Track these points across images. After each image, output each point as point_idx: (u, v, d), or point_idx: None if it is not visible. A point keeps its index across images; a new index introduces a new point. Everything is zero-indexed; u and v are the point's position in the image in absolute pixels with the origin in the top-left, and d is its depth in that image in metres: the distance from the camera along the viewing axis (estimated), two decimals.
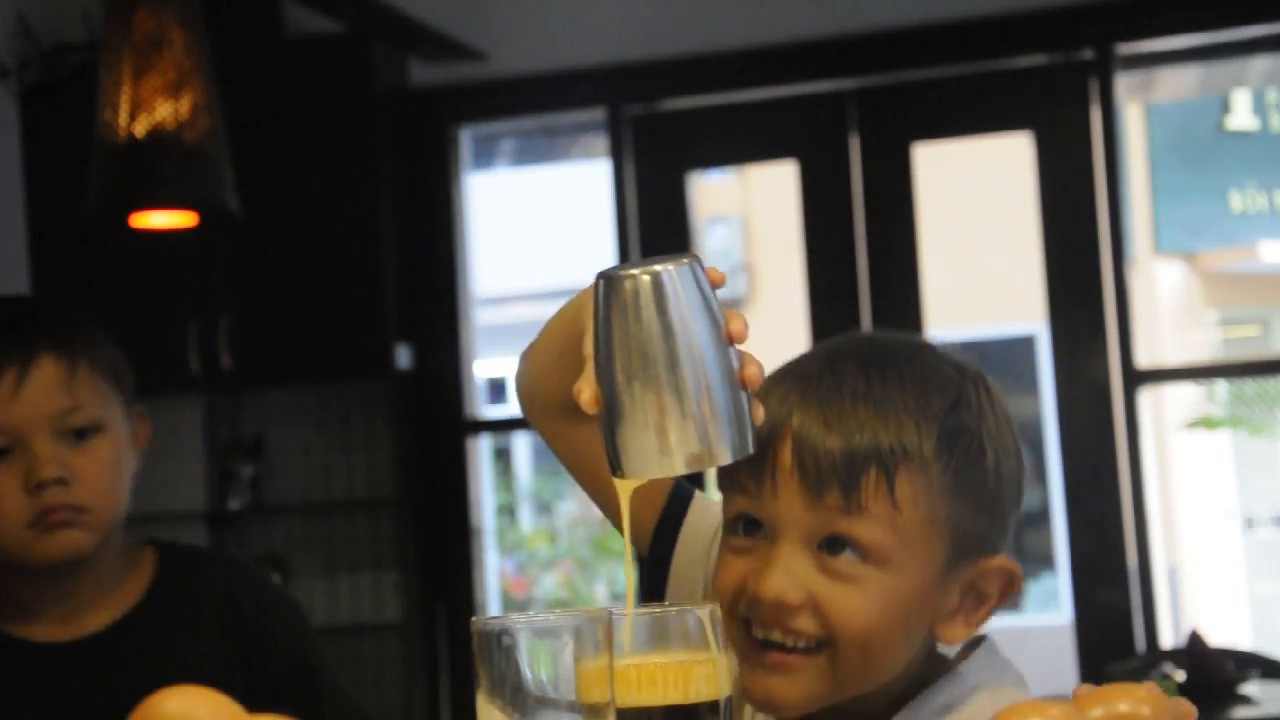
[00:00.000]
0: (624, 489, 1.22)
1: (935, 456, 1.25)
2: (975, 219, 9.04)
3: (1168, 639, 4.68)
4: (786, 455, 1.26)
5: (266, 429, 5.05)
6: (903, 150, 4.80)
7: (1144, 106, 9.00)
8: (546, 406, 1.44)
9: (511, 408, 10.84)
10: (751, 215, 10.14)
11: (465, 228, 5.10)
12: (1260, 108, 9.76)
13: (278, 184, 4.72)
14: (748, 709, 1.31)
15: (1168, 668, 4.06)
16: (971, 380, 1.32)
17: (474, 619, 1.12)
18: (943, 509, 1.26)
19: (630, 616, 1.16)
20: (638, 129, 4.97)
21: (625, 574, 1.30)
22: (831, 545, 1.25)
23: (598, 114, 5.01)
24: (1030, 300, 5.11)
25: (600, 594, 9.71)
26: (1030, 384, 9.45)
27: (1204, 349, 9.95)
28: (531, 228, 10.16)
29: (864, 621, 1.24)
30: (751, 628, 1.26)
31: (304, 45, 4.89)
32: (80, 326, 1.84)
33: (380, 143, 4.85)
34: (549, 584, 10.16)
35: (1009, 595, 1.29)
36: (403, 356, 4.88)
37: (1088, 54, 4.65)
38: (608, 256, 5.02)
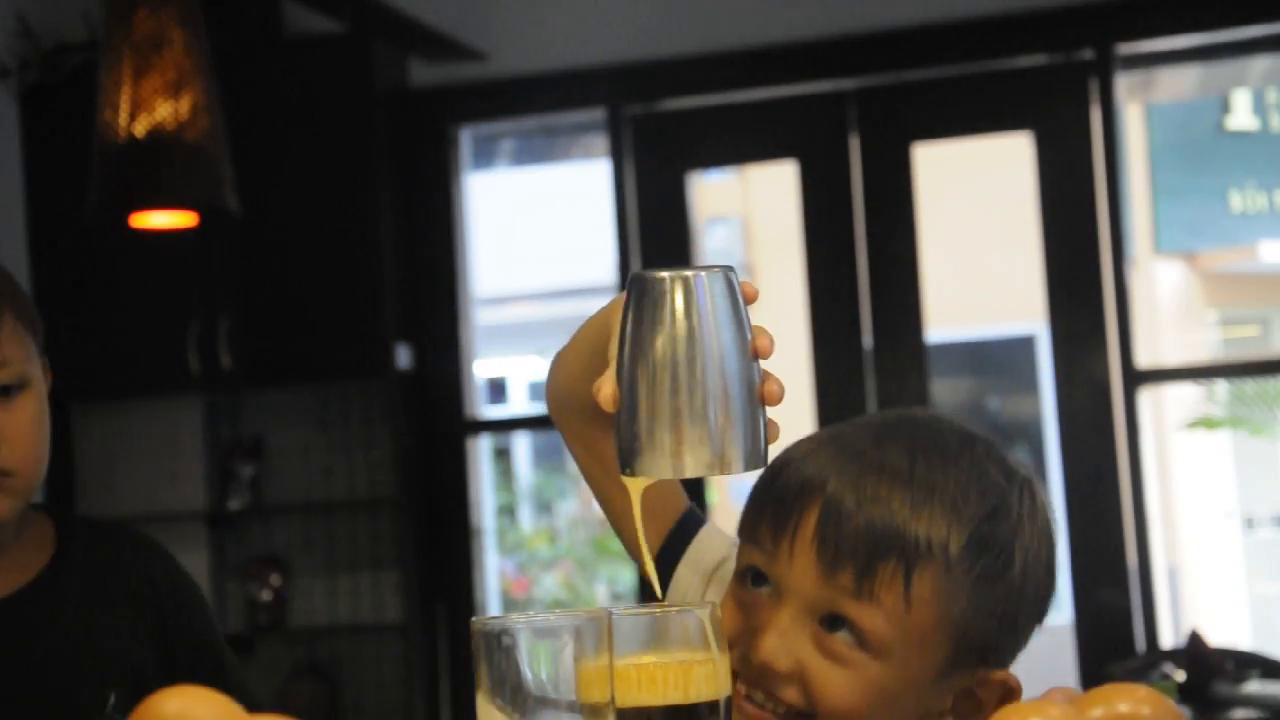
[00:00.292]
0: (634, 487, 1.22)
1: (959, 561, 1.23)
2: (975, 219, 9.03)
3: (1168, 639, 4.68)
4: (811, 521, 1.24)
5: (266, 429, 5.05)
6: (903, 150, 4.80)
7: (1144, 106, 8.99)
8: (574, 411, 1.44)
9: (511, 408, 10.84)
10: (751, 215, 10.14)
11: (465, 228, 5.10)
12: (1260, 108, 9.75)
13: (278, 184, 4.72)
14: None
15: (1168, 668, 4.06)
16: (1019, 488, 1.29)
17: (474, 619, 1.12)
18: (954, 613, 1.24)
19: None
20: (638, 129, 4.97)
21: (644, 563, 1.29)
22: (831, 623, 1.24)
23: (598, 114, 5.01)
24: (1030, 300, 5.11)
25: (601, 594, 9.71)
26: (1030, 384, 9.45)
27: (1204, 349, 9.94)
28: (531, 228, 10.15)
29: (847, 705, 1.23)
30: (736, 679, 1.26)
31: (304, 45, 4.89)
32: (14, 286, 1.74)
33: (380, 143, 4.85)
34: (549, 584, 10.15)
35: (1003, 705, 1.26)
36: (403, 356, 4.88)
37: (1088, 54, 4.65)
38: (608, 256, 5.02)
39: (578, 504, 10.43)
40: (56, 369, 1.83)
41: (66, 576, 1.76)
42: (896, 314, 4.76)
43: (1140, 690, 0.95)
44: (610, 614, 1.15)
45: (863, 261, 4.78)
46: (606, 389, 1.18)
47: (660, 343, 1.16)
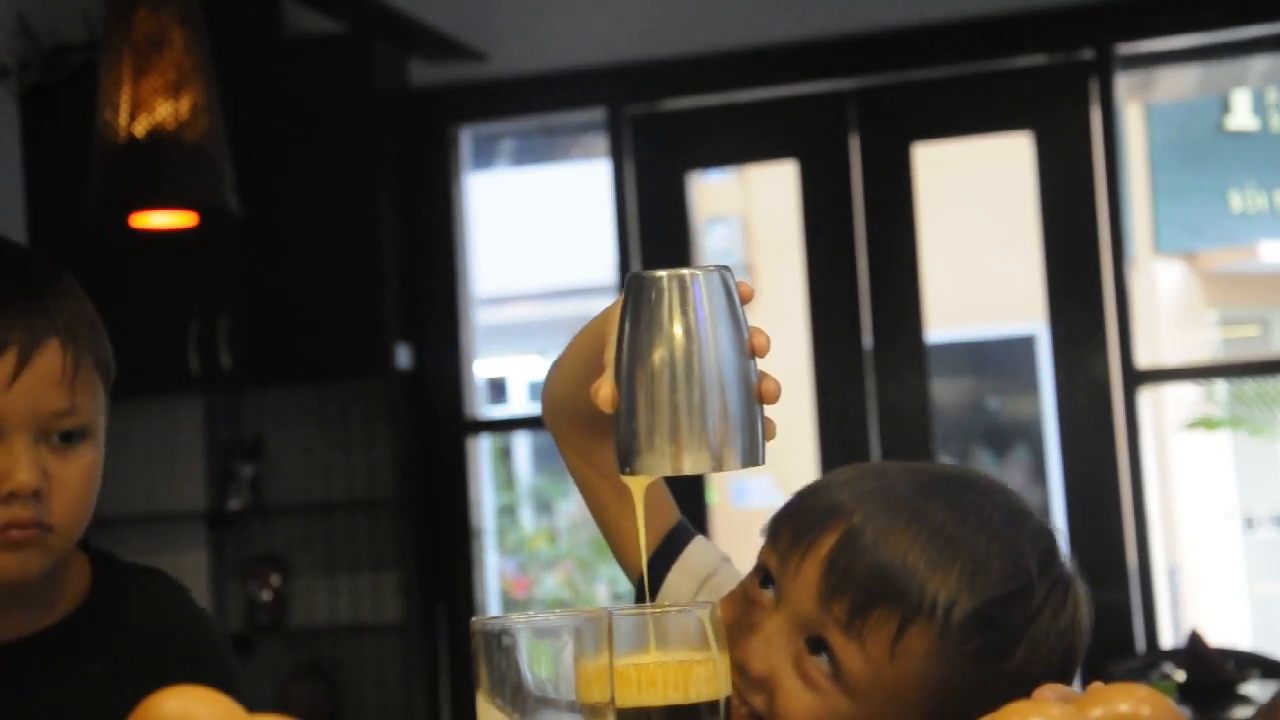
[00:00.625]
0: (636, 486, 1.22)
1: (958, 630, 1.21)
2: (975, 219, 9.03)
3: (1168, 639, 4.69)
4: (827, 544, 1.24)
5: (266, 429, 5.05)
6: (903, 150, 4.80)
7: (1144, 106, 8.99)
8: (570, 418, 1.44)
9: (511, 407, 10.84)
10: (751, 215, 10.13)
11: (465, 228, 5.10)
12: (1260, 108, 9.75)
13: (278, 184, 4.72)
14: None
15: (1168, 668, 4.06)
16: (1053, 582, 1.26)
17: (474, 619, 1.12)
18: (939, 679, 1.22)
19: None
20: (638, 129, 4.97)
21: (641, 559, 1.29)
22: (815, 645, 1.24)
23: (598, 114, 5.01)
24: (1030, 300, 5.11)
25: (601, 594, 9.71)
26: (1030, 384, 9.45)
27: (1204, 349, 9.94)
28: (531, 228, 10.15)
29: None
30: None
31: (304, 45, 4.89)
32: (87, 316, 1.63)
33: (380, 143, 4.85)
34: (550, 584, 10.15)
35: None
36: (403, 356, 4.88)
37: (1088, 54, 4.65)
38: (608, 256, 5.03)
39: (578, 504, 10.41)
40: None
41: (84, 629, 1.64)
42: (896, 314, 4.76)
43: (1140, 690, 0.95)
44: (610, 614, 1.15)
45: (863, 261, 4.78)
46: (604, 390, 1.18)
47: (658, 342, 1.16)
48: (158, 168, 3.47)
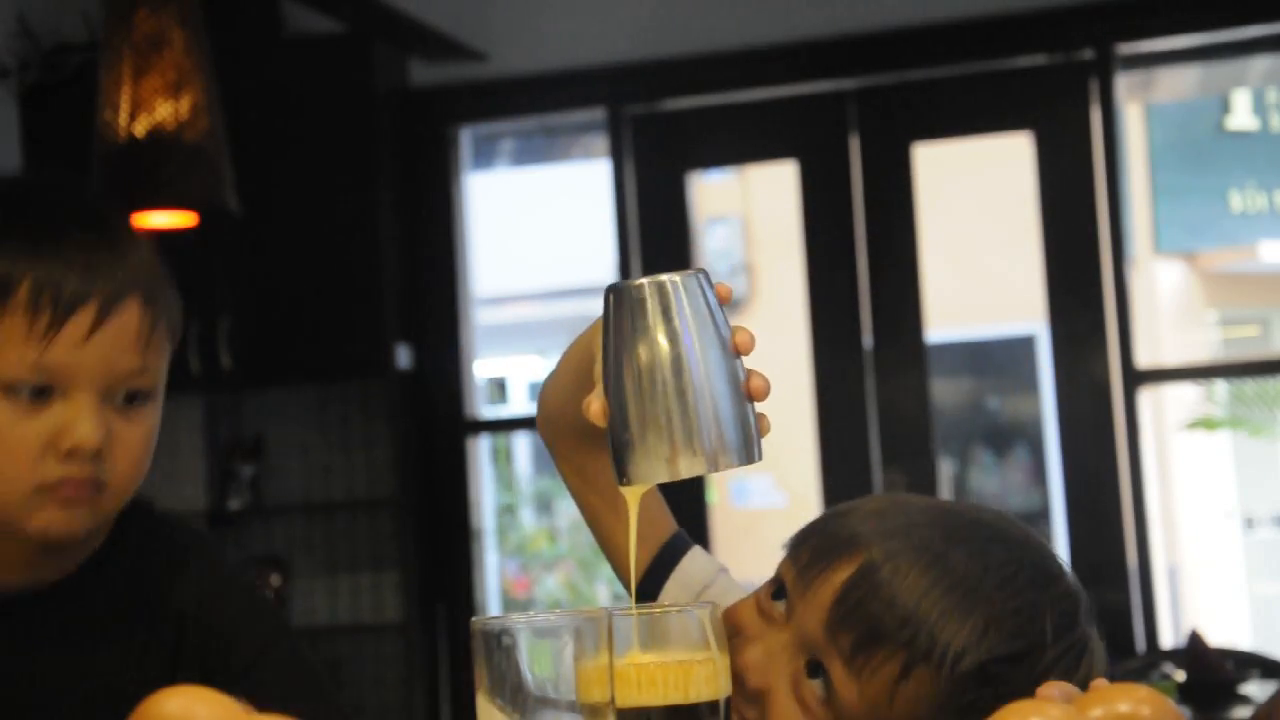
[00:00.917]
0: (632, 496, 1.22)
1: (960, 681, 1.21)
2: (975, 219, 9.04)
3: (1168, 639, 4.69)
4: (843, 574, 1.24)
5: (266, 429, 5.05)
6: (903, 150, 4.80)
7: (1144, 106, 9.00)
8: (564, 433, 1.44)
9: (511, 407, 10.84)
10: (751, 215, 10.14)
11: (465, 228, 5.10)
12: (1260, 108, 9.76)
13: (278, 184, 4.72)
14: None
15: (1168, 668, 4.06)
16: (1066, 647, 1.24)
17: (474, 619, 1.12)
18: None
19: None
20: (638, 129, 4.97)
21: (630, 580, 1.30)
22: (814, 669, 1.24)
23: (598, 114, 5.01)
24: (1030, 300, 5.11)
25: (602, 594, 9.71)
26: (1030, 384, 9.45)
27: (1204, 349, 9.94)
28: (531, 228, 10.16)
29: None
30: None
31: (304, 45, 4.89)
32: (164, 274, 1.56)
33: (380, 143, 4.85)
34: (550, 584, 10.16)
35: None
36: (403, 356, 4.88)
37: (1088, 54, 4.65)
38: (608, 256, 5.03)
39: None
40: None
41: (96, 583, 1.57)
42: (896, 314, 4.76)
43: (1140, 690, 0.95)
44: (610, 614, 1.15)
45: (863, 261, 4.78)
46: (596, 405, 1.19)
47: (642, 349, 1.16)
48: (158, 168, 3.48)
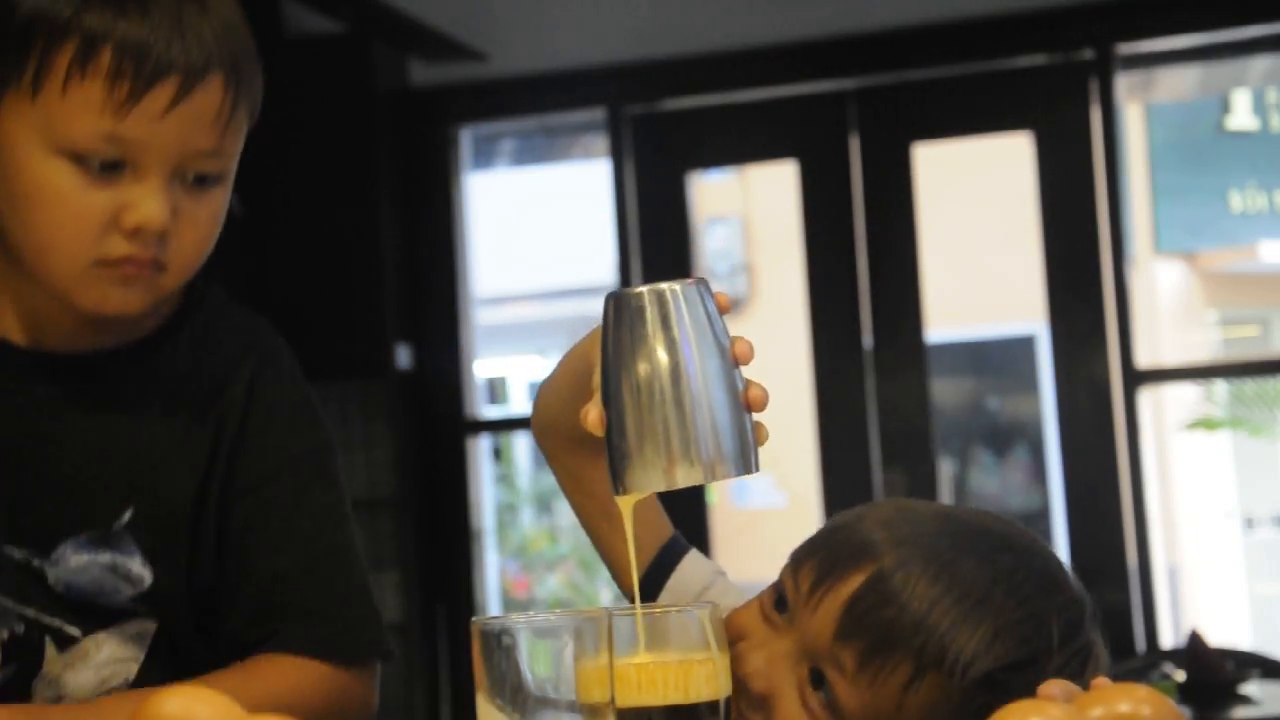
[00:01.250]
0: (626, 505, 1.22)
1: (968, 690, 1.22)
2: (975, 219, 9.04)
3: (1168, 639, 4.68)
4: (853, 584, 1.24)
5: None
6: (903, 150, 4.80)
7: (1144, 106, 9.00)
8: (559, 440, 1.45)
9: (511, 407, 10.84)
10: (751, 215, 10.14)
11: (465, 228, 5.10)
12: (1260, 108, 9.76)
13: (278, 184, 4.72)
14: None
15: (1168, 668, 4.06)
16: (1071, 654, 1.26)
17: (474, 619, 1.12)
18: None
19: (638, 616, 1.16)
20: (638, 129, 4.97)
21: (631, 583, 1.30)
22: (816, 679, 1.24)
23: (598, 114, 5.01)
24: (1030, 300, 5.11)
25: (602, 594, 9.71)
26: (1030, 384, 9.45)
27: (1204, 349, 9.95)
28: (531, 228, 10.16)
29: None
30: None
31: (304, 45, 4.89)
32: (252, 49, 1.52)
33: (380, 143, 4.84)
34: (550, 584, 10.16)
35: None
36: (403, 356, 4.88)
37: (1088, 54, 4.65)
38: (608, 256, 5.03)
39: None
40: None
41: (150, 361, 1.52)
42: (896, 314, 4.76)
43: (1140, 690, 0.95)
44: (610, 614, 1.15)
45: (863, 261, 4.78)
46: (593, 414, 1.19)
47: (641, 358, 1.17)
48: None
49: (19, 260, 1.44)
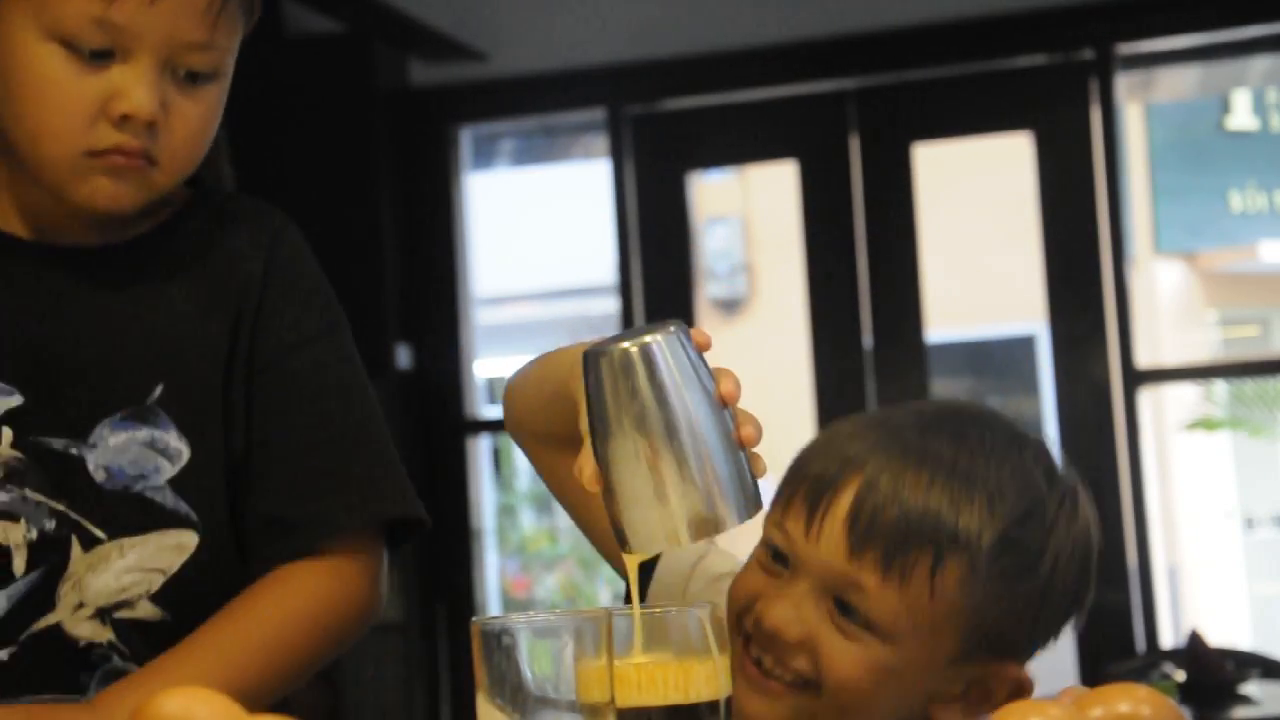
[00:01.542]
0: (631, 563, 1.22)
1: (986, 556, 1.25)
2: (975, 219, 9.04)
3: (1168, 639, 4.68)
4: (845, 501, 1.26)
5: None
6: (903, 150, 4.80)
7: (1144, 106, 9.00)
8: (531, 438, 1.46)
9: None
10: (751, 215, 10.14)
11: (465, 228, 5.10)
12: (1260, 108, 9.76)
13: (278, 184, 4.71)
14: None
15: (1168, 668, 4.06)
16: (1061, 494, 1.32)
17: (474, 619, 1.12)
18: (972, 606, 1.25)
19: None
20: (638, 129, 4.97)
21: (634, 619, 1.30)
22: (843, 608, 1.26)
23: (598, 114, 5.01)
24: (1030, 300, 5.11)
25: (602, 594, 9.71)
26: (1030, 384, 9.45)
27: (1204, 349, 9.95)
28: (531, 228, 10.16)
29: (854, 681, 1.25)
30: (750, 643, 1.28)
31: (304, 45, 4.89)
32: None
33: (380, 143, 4.84)
34: (551, 584, 10.16)
35: (1012, 702, 1.28)
36: (403, 356, 4.88)
37: (1088, 54, 4.65)
38: (608, 256, 5.02)
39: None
40: None
41: (164, 247, 1.53)
42: (896, 314, 4.76)
43: (1140, 690, 0.95)
44: (610, 614, 1.15)
45: (863, 261, 4.78)
46: (587, 470, 1.18)
47: (630, 417, 1.15)
48: None
49: (16, 155, 1.45)
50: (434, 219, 5.04)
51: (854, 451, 1.28)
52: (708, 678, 1.15)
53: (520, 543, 10.46)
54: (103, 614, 1.45)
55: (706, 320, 5.32)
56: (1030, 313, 5.56)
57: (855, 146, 4.82)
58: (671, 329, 1.17)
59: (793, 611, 1.26)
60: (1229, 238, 9.85)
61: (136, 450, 1.46)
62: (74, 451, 1.45)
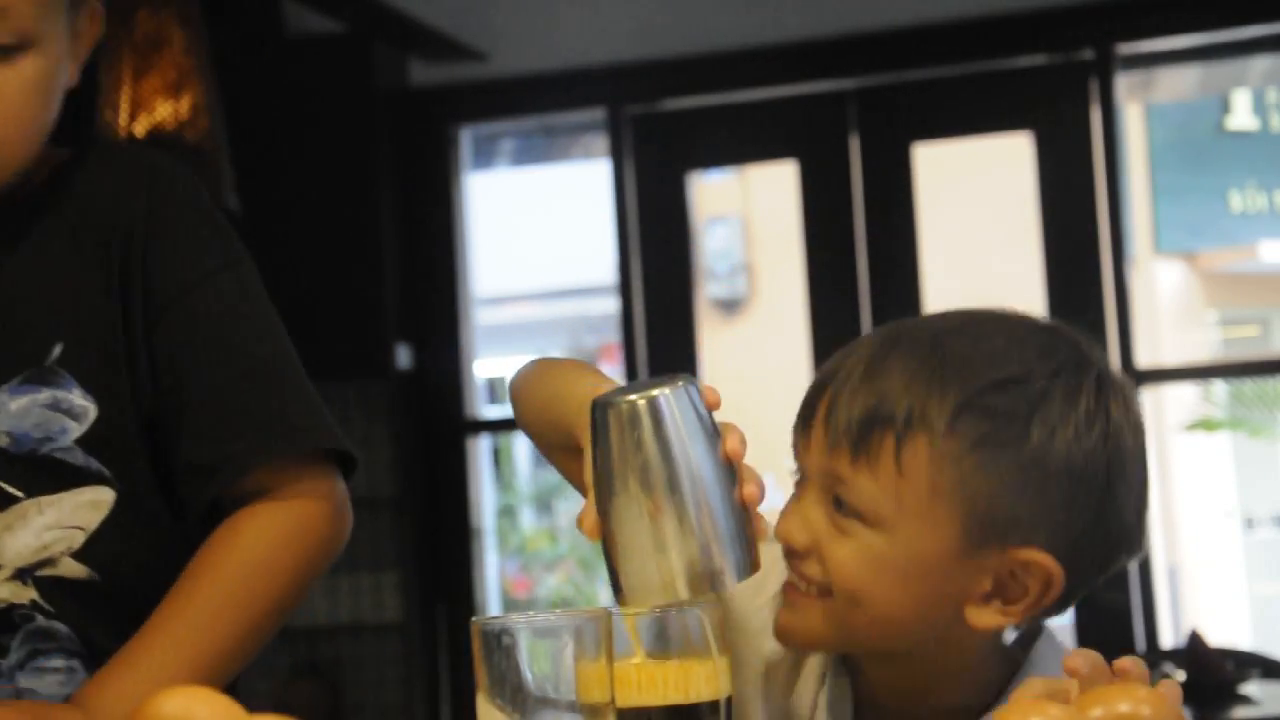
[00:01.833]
0: (627, 614, 1.21)
1: (951, 427, 1.22)
2: (975, 219, 9.03)
3: (1168, 639, 4.68)
4: (824, 406, 1.27)
5: None
6: (903, 150, 4.80)
7: (1144, 106, 9.00)
8: (541, 443, 1.46)
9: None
10: (751, 215, 10.13)
11: (465, 228, 5.10)
12: (1260, 108, 9.76)
13: (278, 184, 4.72)
14: (812, 659, 1.33)
15: (1168, 668, 4.06)
16: (1054, 369, 1.25)
17: (474, 619, 1.12)
18: (952, 483, 1.22)
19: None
20: (638, 129, 4.97)
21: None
22: (839, 502, 1.26)
23: (598, 114, 5.01)
24: (1030, 300, 5.10)
25: (603, 594, 9.71)
26: None
27: (1204, 349, 9.94)
28: (531, 228, 10.16)
29: (854, 577, 1.24)
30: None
31: (304, 45, 4.89)
32: None
33: (380, 143, 4.85)
34: (550, 584, 10.16)
35: (1049, 598, 1.25)
36: (403, 356, 4.87)
37: (1088, 54, 4.65)
38: (608, 256, 5.03)
39: (579, 504, 10.39)
40: None
41: (44, 206, 1.48)
42: (896, 314, 4.73)
43: (1140, 690, 0.95)
44: (610, 614, 1.15)
45: (863, 261, 4.78)
46: (589, 520, 1.19)
47: (634, 471, 1.15)
48: None
49: None
50: (434, 219, 5.04)
51: (831, 366, 1.29)
52: (708, 678, 1.15)
53: (520, 543, 10.46)
54: (23, 574, 1.43)
55: (706, 320, 5.32)
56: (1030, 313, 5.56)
57: (855, 146, 4.82)
58: (680, 383, 1.16)
59: (799, 520, 1.27)
60: (1229, 238, 9.84)
61: (39, 413, 1.43)
62: None
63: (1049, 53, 4.72)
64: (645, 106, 4.97)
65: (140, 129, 3.46)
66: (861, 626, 1.26)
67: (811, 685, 1.34)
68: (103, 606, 1.45)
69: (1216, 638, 4.15)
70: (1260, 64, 5.08)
